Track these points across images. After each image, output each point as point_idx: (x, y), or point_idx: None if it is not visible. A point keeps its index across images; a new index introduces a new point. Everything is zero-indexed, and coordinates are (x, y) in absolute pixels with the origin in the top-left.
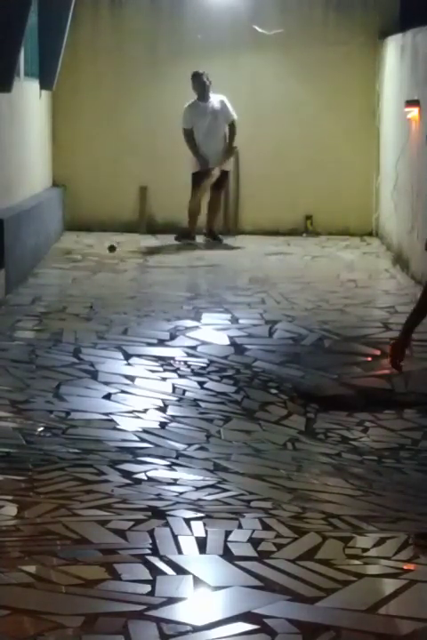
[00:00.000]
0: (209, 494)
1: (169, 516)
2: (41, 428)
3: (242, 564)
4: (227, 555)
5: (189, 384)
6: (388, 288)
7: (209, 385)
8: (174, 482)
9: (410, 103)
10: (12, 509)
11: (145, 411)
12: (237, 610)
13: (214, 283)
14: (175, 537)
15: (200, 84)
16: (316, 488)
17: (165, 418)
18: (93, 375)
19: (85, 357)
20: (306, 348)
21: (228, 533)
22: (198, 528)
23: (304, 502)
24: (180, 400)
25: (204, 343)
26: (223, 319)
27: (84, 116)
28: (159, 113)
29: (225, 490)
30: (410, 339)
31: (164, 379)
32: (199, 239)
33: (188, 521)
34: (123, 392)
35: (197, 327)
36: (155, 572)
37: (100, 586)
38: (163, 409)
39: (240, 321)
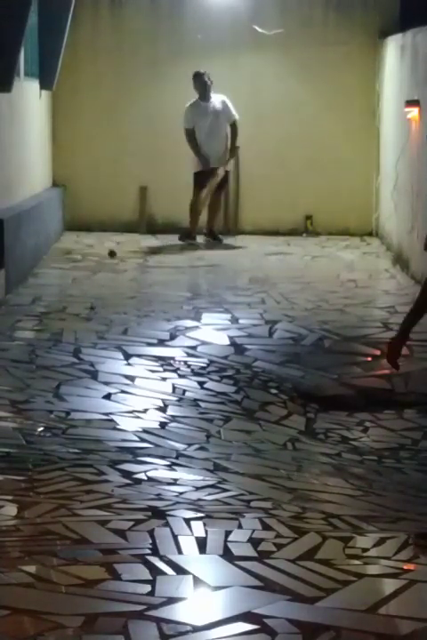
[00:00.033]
0: (209, 494)
1: (169, 515)
2: (41, 428)
3: (242, 563)
4: (227, 555)
5: (189, 384)
6: (388, 288)
7: (209, 385)
8: (174, 482)
9: (410, 103)
10: (12, 509)
11: (145, 411)
12: (237, 610)
13: (214, 283)
14: (175, 537)
15: (202, 84)
16: (316, 488)
17: (165, 418)
18: (93, 375)
19: (85, 357)
20: (306, 348)
21: (228, 533)
22: (198, 528)
23: (304, 502)
24: (180, 400)
25: (204, 343)
26: (223, 319)
27: (84, 116)
28: (159, 113)
29: (225, 490)
30: (407, 338)
31: (164, 379)
32: (199, 239)
33: (188, 521)
34: (123, 392)
35: (197, 327)
36: (155, 572)
37: (100, 586)
38: (163, 409)
39: (240, 321)
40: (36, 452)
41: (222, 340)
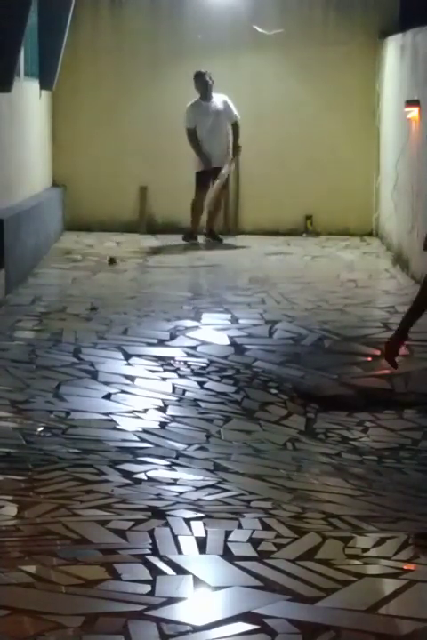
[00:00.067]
0: (209, 494)
1: (169, 515)
2: (41, 428)
3: (242, 563)
4: (227, 555)
5: (189, 384)
6: (388, 288)
7: (209, 385)
8: (174, 482)
9: (410, 103)
10: (12, 509)
11: (145, 411)
12: (237, 610)
13: (214, 283)
14: (175, 537)
15: (203, 84)
16: (316, 488)
17: (165, 418)
18: (93, 375)
19: (85, 357)
20: (306, 348)
21: (228, 533)
22: (198, 528)
23: (304, 502)
24: (180, 400)
25: (204, 343)
26: (223, 319)
27: (84, 116)
28: (159, 113)
29: (225, 490)
30: (406, 337)
31: (164, 379)
32: (199, 239)
33: (188, 521)
34: (123, 392)
35: (197, 327)
36: (155, 572)
37: (100, 586)
38: (163, 409)
39: (240, 321)
40: (36, 452)
41: (222, 340)
